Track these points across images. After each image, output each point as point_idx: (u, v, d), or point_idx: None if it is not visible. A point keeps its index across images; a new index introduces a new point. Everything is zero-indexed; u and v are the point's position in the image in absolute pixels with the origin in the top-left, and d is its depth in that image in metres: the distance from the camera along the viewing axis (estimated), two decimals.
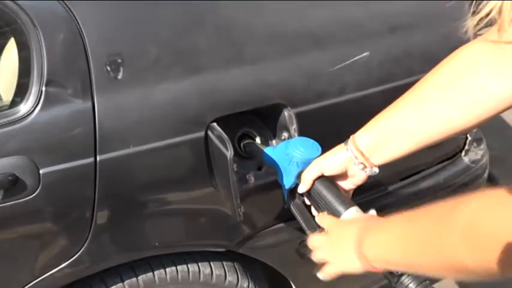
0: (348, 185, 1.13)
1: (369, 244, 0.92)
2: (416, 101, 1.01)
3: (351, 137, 1.09)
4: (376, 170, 1.10)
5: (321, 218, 1.09)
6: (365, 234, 0.93)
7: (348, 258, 0.95)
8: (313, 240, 1.08)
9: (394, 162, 1.07)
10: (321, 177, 1.11)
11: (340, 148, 1.10)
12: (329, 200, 1.08)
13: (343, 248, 0.97)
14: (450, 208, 0.78)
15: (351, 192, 1.15)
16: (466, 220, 0.72)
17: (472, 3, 0.87)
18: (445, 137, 1.01)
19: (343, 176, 1.12)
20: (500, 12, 0.82)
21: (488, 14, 0.82)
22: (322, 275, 1.05)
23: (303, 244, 1.11)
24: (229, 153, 1.09)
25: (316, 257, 1.06)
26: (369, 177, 1.11)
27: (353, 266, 0.95)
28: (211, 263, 1.40)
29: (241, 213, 1.14)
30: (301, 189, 1.13)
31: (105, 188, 1.14)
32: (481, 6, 0.83)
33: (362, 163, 1.08)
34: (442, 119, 0.98)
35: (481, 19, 0.84)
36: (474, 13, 0.84)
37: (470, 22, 0.85)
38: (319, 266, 1.05)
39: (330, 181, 1.11)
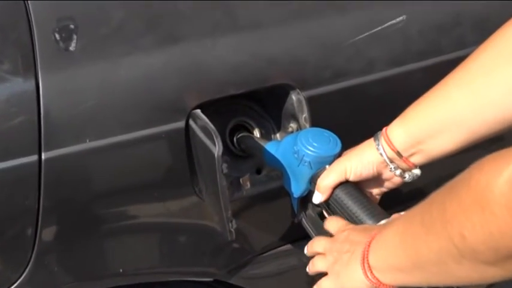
0: (378, 189, 1.13)
1: (373, 248, 0.94)
2: (468, 81, 1.01)
3: (383, 130, 1.09)
4: (418, 172, 1.10)
5: (329, 220, 1.09)
6: (374, 240, 0.94)
7: (351, 269, 0.96)
8: (316, 245, 1.07)
9: (439, 161, 1.07)
10: (344, 183, 1.11)
11: (368, 145, 1.10)
12: (355, 213, 1.08)
13: (348, 257, 0.98)
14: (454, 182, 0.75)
15: (379, 197, 1.15)
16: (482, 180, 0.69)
17: None
18: (507, 126, 1.01)
19: (373, 179, 1.12)
20: None
21: None
22: None
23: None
24: (218, 149, 1.07)
25: (314, 267, 1.06)
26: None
27: (355, 279, 0.95)
28: None
29: (232, 230, 1.13)
30: (317, 198, 1.13)
31: (53, 195, 1.12)
32: None
33: (399, 168, 1.08)
34: (503, 102, 0.98)
35: None
36: None
37: None
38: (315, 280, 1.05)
39: (354, 187, 1.11)
